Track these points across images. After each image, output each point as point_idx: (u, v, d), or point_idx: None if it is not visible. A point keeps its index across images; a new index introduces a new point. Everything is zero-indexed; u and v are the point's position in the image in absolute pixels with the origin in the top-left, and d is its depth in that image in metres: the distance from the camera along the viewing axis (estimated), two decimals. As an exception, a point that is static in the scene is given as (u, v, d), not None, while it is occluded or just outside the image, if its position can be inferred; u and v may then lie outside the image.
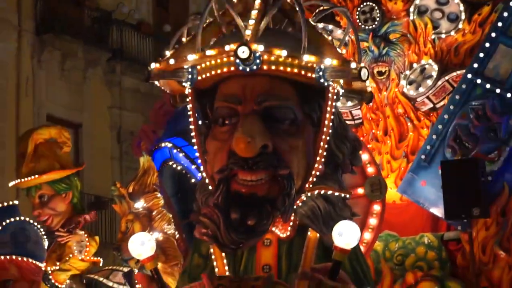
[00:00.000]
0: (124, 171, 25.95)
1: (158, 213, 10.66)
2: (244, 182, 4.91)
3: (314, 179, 5.02)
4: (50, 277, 10.71)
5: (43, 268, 9.97)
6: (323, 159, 5.11)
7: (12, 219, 9.76)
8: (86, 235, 10.97)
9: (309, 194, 4.99)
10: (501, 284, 8.73)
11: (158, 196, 10.59)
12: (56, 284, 10.82)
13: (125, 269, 10.29)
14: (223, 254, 5.46)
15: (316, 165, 4.98)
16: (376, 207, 7.90)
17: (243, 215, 4.88)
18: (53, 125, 12.20)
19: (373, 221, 7.87)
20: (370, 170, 7.89)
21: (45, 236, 10.06)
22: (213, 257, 5.47)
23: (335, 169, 5.30)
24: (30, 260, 9.59)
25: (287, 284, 4.75)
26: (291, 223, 5.15)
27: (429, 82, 9.91)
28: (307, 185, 5.00)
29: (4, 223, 9.76)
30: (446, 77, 9.88)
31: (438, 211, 9.32)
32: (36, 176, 10.82)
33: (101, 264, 11.40)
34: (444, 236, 9.61)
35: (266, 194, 4.92)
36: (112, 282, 11.07)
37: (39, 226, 9.74)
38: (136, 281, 6.54)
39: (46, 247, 9.92)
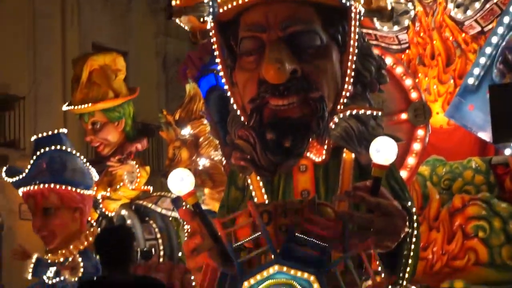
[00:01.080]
0: (170, 99, 26.07)
1: (205, 139, 10.75)
2: (276, 107, 4.93)
3: (345, 100, 5.03)
4: (101, 205, 10.87)
5: (92, 195, 10.11)
6: (351, 80, 5.11)
7: (48, 148, 9.89)
8: (137, 166, 11.08)
9: (341, 115, 5.01)
10: (549, 207, 8.70)
11: (204, 123, 10.65)
12: (106, 212, 10.99)
13: (173, 195, 10.40)
14: (261, 183, 5.50)
15: (346, 86, 5.00)
16: (420, 132, 7.88)
17: (279, 137, 4.92)
18: (108, 52, 12.16)
19: (417, 146, 7.85)
20: (414, 95, 7.87)
21: (89, 164, 10.19)
22: (250, 187, 5.52)
23: (364, 89, 5.30)
24: (70, 187, 9.73)
25: (331, 204, 4.78)
26: (325, 147, 5.17)
27: (477, 5, 9.74)
28: (338, 107, 5.01)
29: (38, 153, 9.91)
30: (495, 0, 9.70)
31: (485, 135, 9.25)
32: (90, 104, 10.91)
33: (150, 192, 11.55)
34: (492, 160, 9.55)
35: (300, 118, 4.95)
36: (161, 208, 11.23)
37: (78, 155, 9.85)
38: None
39: (91, 175, 10.04)
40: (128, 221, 10.70)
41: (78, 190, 9.71)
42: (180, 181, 5.12)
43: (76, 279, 9.41)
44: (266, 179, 5.20)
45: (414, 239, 5.07)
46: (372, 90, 5.44)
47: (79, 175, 9.75)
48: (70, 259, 9.63)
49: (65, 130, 10.48)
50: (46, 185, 9.60)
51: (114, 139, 10.95)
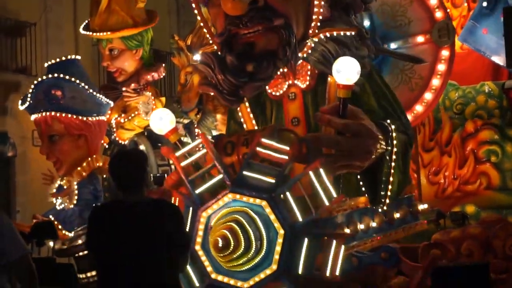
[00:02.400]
0: (181, 25, 25.90)
1: (217, 65, 10.71)
2: (242, 36, 4.99)
3: (319, 24, 5.02)
4: (114, 135, 10.86)
5: (102, 121, 10.11)
6: (323, 2, 5.09)
7: (45, 77, 9.89)
8: (152, 97, 11.05)
9: (316, 39, 5.03)
10: (562, 131, 8.68)
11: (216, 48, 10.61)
12: (120, 141, 11.00)
13: (185, 121, 10.42)
14: (251, 115, 5.55)
15: (316, 9, 4.98)
16: (445, 53, 7.83)
17: (242, 61, 4.99)
18: None
19: (441, 67, 7.81)
20: (439, 14, 7.78)
21: (100, 91, 10.16)
22: (241, 120, 5.57)
23: (346, 11, 5.28)
24: (70, 115, 9.75)
25: (293, 130, 4.87)
26: (308, 72, 5.20)
27: None
28: (311, 31, 5.01)
29: (36, 82, 9.92)
30: None
31: (499, 59, 9.19)
32: (108, 33, 10.80)
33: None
34: (505, 84, 9.50)
35: (265, 45, 5.01)
36: (173, 134, 11.20)
37: (78, 82, 9.81)
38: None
39: (97, 102, 10.02)
40: (141, 147, 10.74)
41: (80, 117, 9.73)
42: (159, 120, 5.26)
43: (72, 206, 9.52)
44: (234, 105, 5.27)
45: (394, 156, 5.10)
46: (357, 11, 5.43)
47: (79, 102, 9.73)
48: (65, 186, 9.73)
49: (78, 57, 10.45)
50: (48, 113, 9.65)
51: (130, 68, 10.91)
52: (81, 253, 9.43)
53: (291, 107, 5.39)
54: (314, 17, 5.02)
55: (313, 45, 5.06)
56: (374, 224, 5.56)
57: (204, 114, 9.97)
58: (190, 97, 9.81)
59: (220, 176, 4.96)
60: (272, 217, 4.82)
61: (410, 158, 5.59)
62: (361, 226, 5.44)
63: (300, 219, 4.79)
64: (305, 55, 5.16)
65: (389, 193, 5.24)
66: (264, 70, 5.01)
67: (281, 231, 4.82)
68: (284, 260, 4.84)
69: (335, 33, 5.23)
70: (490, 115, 9.25)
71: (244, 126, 5.48)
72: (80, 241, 9.36)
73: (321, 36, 5.12)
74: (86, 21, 11.31)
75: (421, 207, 6.45)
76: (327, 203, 4.72)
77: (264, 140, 4.75)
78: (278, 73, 5.28)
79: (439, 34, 7.69)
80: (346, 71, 4.66)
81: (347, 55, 5.14)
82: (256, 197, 4.87)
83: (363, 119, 4.80)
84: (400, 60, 7.77)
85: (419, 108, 7.84)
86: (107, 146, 11.14)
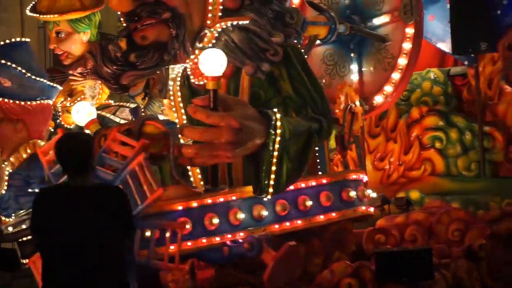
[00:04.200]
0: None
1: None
2: (136, 30, 5.11)
3: (220, 14, 5.08)
4: (60, 119, 10.74)
5: (44, 104, 10.00)
6: None
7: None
8: (99, 81, 10.94)
9: (220, 29, 5.09)
10: (505, 118, 8.77)
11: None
12: (65, 125, 10.88)
13: (132, 105, 10.35)
14: (181, 104, 5.71)
15: (211, 0, 5.04)
16: (409, 30, 7.84)
17: (126, 51, 5.14)
18: None
19: (406, 46, 7.81)
20: None
21: (35, 76, 10.04)
22: (173, 109, 5.75)
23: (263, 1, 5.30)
24: (6, 100, 9.64)
25: (157, 123, 5.04)
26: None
27: None
28: (209, 22, 5.07)
29: None
30: None
31: (445, 46, 9.26)
32: (56, 15, 10.66)
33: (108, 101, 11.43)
34: (451, 71, 9.59)
35: (157, 38, 5.13)
36: (119, 118, 11.13)
37: (13, 66, 9.70)
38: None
39: (36, 86, 9.91)
40: (86, 131, 10.62)
41: (17, 102, 9.60)
42: (77, 114, 5.46)
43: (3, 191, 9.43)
44: (118, 92, 5.43)
45: (277, 146, 5.14)
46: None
47: (16, 86, 9.58)
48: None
49: (27, 40, 10.30)
50: None
51: (77, 51, 10.73)
52: (24, 238, 9.33)
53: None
54: (209, 8, 5.06)
55: (216, 34, 5.11)
56: (265, 213, 5.56)
57: (151, 98, 9.91)
58: (136, 81, 9.75)
59: None
60: None
61: (313, 147, 5.57)
62: (241, 215, 5.51)
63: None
64: (210, 45, 5.24)
65: (272, 182, 5.27)
66: (147, 62, 5.17)
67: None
68: None
69: (241, 22, 5.28)
70: (435, 102, 9.33)
71: (175, 115, 5.64)
72: (24, 226, 9.26)
73: (228, 25, 5.18)
74: (33, 3, 11.16)
75: (368, 192, 6.48)
76: (148, 195, 4.90)
77: (118, 134, 4.96)
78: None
79: (404, 10, 7.70)
80: (208, 63, 4.78)
81: (259, 41, 5.23)
82: None
83: (235, 109, 4.91)
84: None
85: (388, 88, 7.88)
86: (52, 130, 11.02)
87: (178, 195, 5.47)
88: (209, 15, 5.11)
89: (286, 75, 5.58)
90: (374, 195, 6.67)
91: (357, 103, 6.84)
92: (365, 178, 6.55)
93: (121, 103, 11.37)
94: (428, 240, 6.44)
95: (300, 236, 5.80)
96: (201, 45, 5.28)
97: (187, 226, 5.36)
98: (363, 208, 6.35)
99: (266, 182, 5.32)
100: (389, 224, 6.73)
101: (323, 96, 5.63)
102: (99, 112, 11.20)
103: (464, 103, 9.31)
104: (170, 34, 5.06)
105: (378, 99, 7.93)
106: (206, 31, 5.10)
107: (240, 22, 5.25)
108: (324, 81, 7.89)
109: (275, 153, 5.18)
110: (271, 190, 5.35)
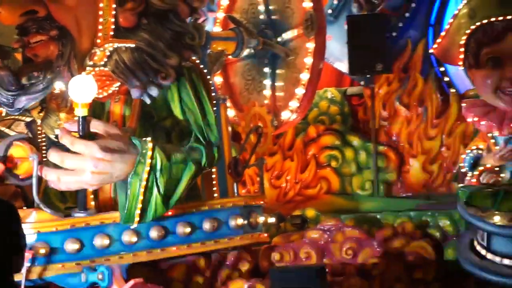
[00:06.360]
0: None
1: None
2: (29, 46, 5.04)
3: (112, 33, 5.00)
4: None
5: None
6: (130, 10, 5.07)
7: None
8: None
9: (111, 48, 5.02)
10: (399, 138, 8.93)
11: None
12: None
13: (28, 119, 10.14)
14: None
15: (102, 20, 4.95)
16: (310, 45, 7.86)
17: (17, 73, 5.06)
18: None
19: (308, 60, 7.82)
20: (307, 4, 7.79)
21: None
22: None
23: (156, 19, 5.23)
24: None
25: (26, 143, 5.10)
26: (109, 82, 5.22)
27: None
28: (99, 41, 4.99)
29: None
30: None
31: (342, 66, 9.37)
32: None
33: (3, 114, 11.16)
34: (347, 91, 9.71)
35: (47, 56, 5.04)
36: (15, 132, 10.89)
37: None
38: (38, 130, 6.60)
39: None
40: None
41: None
42: None
43: None
44: (14, 113, 5.35)
45: (145, 176, 5.08)
46: (179, 17, 5.41)
47: None
48: None
49: None
50: None
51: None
52: None
53: (115, 109, 5.39)
54: (100, 27, 4.96)
55: (108, 53, 5.03)
56: (132, 239, 5.48)
57: (48, 112, 9.71)
58: (32, 94, 9.56)
59: None
60: None
61: (188, 178, 5.45)
62: (106, 241, 5.42)
63: None
64: (101, 62, 5.15)
65: (138, 212, 5.20)
66: (38, 83, 5.05)
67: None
68: None
69: (132, 44, 5.18)
70: (332, 121, 9.43)
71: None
72: None
73: (121, 44, 5.08)
74: None
75: (262, 219, 6.41)
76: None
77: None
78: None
79: (305, 25, 7.75)
80: (78, 89, 4.72)
81: (152, 63, 5.15)
82: None
83: (105, 138, 4.86)
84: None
85: (293, 104, 7.88)
86: None
87: (42, 219, 5.34)
88: (100, 34, 4.98)
89: (177, 98, 5.48)
90: (272, 220, 6.63)
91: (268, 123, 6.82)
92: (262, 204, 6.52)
93: (17, 117, 11.11)
94: (322, 258, 6.47)
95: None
96: (91, 62, 5.15)
97: (42, 251, 5.24)
98: (255, 234, 6.34)
99: (132, 210, 5.22)
100: (284, 241, 6.73)
101: (210, 124, 5.55)
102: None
103: (360, 123, 9.44)
104: (58, 53, 4.94)
105: (285, 114, 7.95)
106: (96, 49, 4.98)
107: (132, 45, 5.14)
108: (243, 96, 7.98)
109: (143, 183, 5.09)
110: (137, 219, 5.24)
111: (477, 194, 4.37)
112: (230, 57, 7.79)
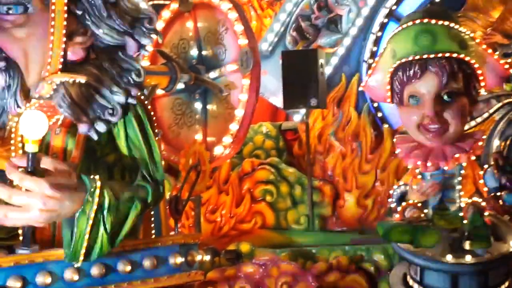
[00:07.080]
0: None
1: None
2: None
3: (60, 66, 4.99)
4: None
5: None
6: (79, 44, 5.05)
7: None
8: None
9: (58, 81, 5.01)
10: (334, 172, 8.98)
11: None
12: None
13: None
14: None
15: (51, 53, 4.95)
16: (245, 81, 7.87)
17: None
18: None
19: (243, 97, 7.83)
20: (241, 42, 7.82)
21: None
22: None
23: (111, 53, 5.21)
24: None
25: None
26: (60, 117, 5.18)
27: (274, -29, 9.87)
28: (47, 74, 4.99)
29: None
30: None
31: (277, 101, 9.42)
32: None
33: None
34: (282, 126, 9.76)
35: None
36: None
37: None
38: None
39: None
40: None
41: None
42: None
43: None
44: None
45: (92, 214, 5.04)
46: (127, 53, 5.39)
47: None
48: None
49: None
50: None
51: None
52: None
53: (56, 141, 5.33)
54: (49, 60, 4.92)
55: (55, 87, 4.99)
56: (74, 277, 5.43)
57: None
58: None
59: None
60: None
61: (134, 216, 5.42)
62: (49, 279, 5.36)
63: None
64: (48, 95, 5.11)
65: (83, 250, 5.14)
66: None
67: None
68: None
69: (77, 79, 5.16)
70: (267, 155, 9.45)
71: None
72: None
73: (68, 78, 5.05)
74: None
75: (199, 257, 6.40)
76: None
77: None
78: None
79: (241, 62, 7.77)
80: (28, 125, 4.67)
81: (98, 98, 5.13)
82: None
83: (54, 175, 4.83)
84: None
85: (227, 139, 7.87)
86: None
87: None
88: (48, 67, 4.93)
89: (124, 134, 5.43)
90: (207, 258, 6.60)
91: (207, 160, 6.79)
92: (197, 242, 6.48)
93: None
94: (257, 292, 6.45)
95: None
96: (37, 95, 5.10)
97: None
98: (192, 273, 6.29)
99: (78, 248, 5.15)
100: (219, 276, 6.70)
101: (156, 162, 5.52)
102: None
103: (294, 157, 9.48)
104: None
105: (218, 150, 7.94)
106: (44, 82, 4.93)
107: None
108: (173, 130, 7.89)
109: (90, 222, 5.03)
110: (81, 258, 5.17)
111: (395, 230, 4.39)
112: (161, 91, 7.78)
